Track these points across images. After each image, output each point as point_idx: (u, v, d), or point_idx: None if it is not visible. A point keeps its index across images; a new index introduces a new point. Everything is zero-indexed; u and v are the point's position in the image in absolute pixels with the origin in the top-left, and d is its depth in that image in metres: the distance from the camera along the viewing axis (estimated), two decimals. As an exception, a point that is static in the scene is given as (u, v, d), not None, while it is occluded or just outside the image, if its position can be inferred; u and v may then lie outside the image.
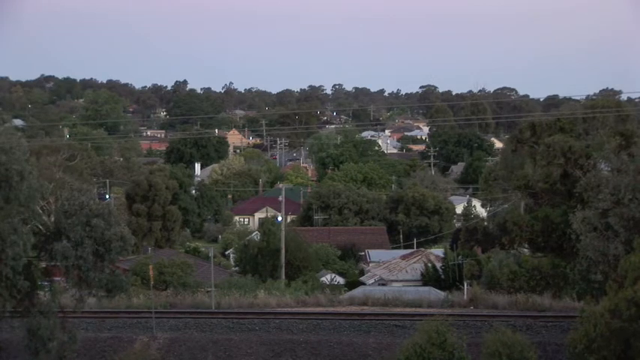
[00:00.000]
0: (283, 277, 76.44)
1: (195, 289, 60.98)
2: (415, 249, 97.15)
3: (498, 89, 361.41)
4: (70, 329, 39.35)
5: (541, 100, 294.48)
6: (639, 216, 41.54)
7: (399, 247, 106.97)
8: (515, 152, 61.22)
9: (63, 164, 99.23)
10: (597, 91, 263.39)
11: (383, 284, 79.85)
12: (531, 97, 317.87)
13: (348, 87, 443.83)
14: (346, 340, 45.76)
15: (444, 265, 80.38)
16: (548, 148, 55.94)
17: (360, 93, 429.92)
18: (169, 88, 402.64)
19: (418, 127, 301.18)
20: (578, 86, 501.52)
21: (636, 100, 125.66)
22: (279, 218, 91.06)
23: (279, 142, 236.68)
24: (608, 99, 77.32)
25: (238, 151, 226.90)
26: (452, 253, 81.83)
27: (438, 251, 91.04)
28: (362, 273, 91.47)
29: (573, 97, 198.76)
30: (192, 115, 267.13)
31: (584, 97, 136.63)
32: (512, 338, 37.58)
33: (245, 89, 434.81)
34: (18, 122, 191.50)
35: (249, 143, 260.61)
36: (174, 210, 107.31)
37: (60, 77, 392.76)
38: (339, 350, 45.24)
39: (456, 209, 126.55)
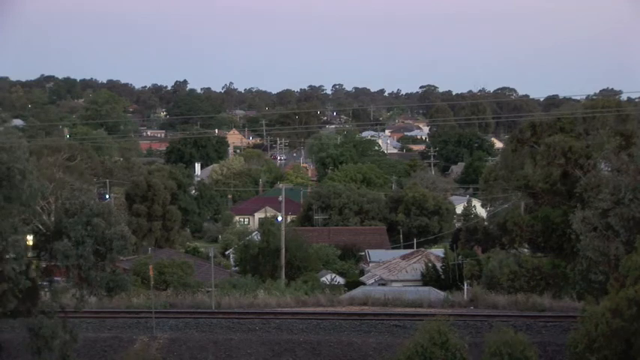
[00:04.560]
0: (283, 277, 76.43)
1: (195, 289, 60.97)
2: (415, 249, 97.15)
3: (498, 89, 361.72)
4: (71, 329, 39.38)
5: (541, 100, 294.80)
6: (639, 216, 41.54)
7: (399, 247, 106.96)
8: (516, 152, 61.21)
9: (63, 164, 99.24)
10: (597, 91, 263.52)
11: (383, 284, 79.87)
12: (531, 97, 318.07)
13: (348, 87, 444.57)
14: (346, 340, 45.74)
15: (444, 265, 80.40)
16: (548, 148, 55.95)
17: (360, 93, 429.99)
18: (169, 88, 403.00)
19: (418, 127, 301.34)
20: (579, 86, 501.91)
21: (636, 100, 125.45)
22: (279, 218, 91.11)
23: (279, 142, 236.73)
24: (608, 99, 77.14)
25: (238, 151, 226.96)
26: (452, 253, 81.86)
27: (438, 251, 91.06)
28: (362, 273, 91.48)
29: (573, 97, 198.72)
30: (192, 115, 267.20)
31: (584, 97, 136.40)
32: (514, 338, 37.60)
33: (245, 89, 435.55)
34: (18, 122, 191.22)
35: (249, 143, 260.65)
36: (173, 210, 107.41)
37: (60, 77, 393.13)
38: (339, 350, 45.22)
39: (456, 209, 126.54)
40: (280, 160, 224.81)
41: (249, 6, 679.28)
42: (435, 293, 62.37)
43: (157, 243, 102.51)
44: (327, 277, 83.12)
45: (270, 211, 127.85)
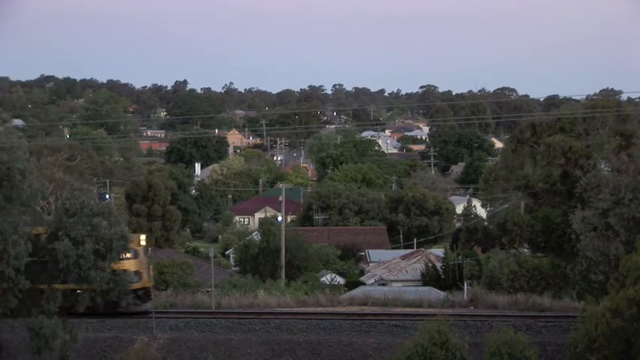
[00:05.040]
0: (283, 277, 76.44)
1: (195, 289, 60.97)
2: (415, 249, 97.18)
3: (498, 89, 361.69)
4: (71, 328, 39.39)
5: (541, 100, 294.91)
6: (639, 216, 41.53)
7: (399, 247, 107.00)
8: (516, 152, 61.16)
9: (63, 164, 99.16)
10: (597, 91, 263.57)
11: (383, 284, 79.91)
12: (531, 97, 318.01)
13: (348, 87, 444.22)
14: (346, 340, 45.72)
15: (444, 265, 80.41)
16: (548, 148, 55.92)
17: (360, 93, 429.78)
18: (169, 88, 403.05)
19: (418, 127, 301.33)
20: (579, 86, 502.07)
21: (636, 100, 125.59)
22: (279, 218, 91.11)
23: (279, 142, 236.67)
24: (608, 99, 77.14)
25: (238, 151, 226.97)
26: (452, 253, 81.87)
27: (438, 251, 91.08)
28: (362, 273, 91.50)
29: (573, 97, 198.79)
30: (192, 115, 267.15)
31: (584, 97, 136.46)
32: (514, 338, 37.62)
33: (245, 89, 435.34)
34: (18, 122, 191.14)
35: (249, 143, 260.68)
36: (173, 210, 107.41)
37: (60, 77, 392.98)
38: (339, 350, 45.21)
39: (456, 209, 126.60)
40: (278, 160, 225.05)
41: (249, 6, 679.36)
42: (435, 293, 62.39)
43: (157, 243, 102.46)
44: (327, 277, 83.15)
45: (270, 211, 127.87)
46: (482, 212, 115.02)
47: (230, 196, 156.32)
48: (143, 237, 49.62)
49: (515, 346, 37.21)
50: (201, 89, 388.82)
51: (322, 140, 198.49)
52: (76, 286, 40.29)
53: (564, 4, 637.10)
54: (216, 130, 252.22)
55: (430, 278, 79.46)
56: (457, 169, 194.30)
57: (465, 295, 57.79)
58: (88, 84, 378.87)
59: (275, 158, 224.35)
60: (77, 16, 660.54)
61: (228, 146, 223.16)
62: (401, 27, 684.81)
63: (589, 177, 50.24)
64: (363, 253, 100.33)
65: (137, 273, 47.26)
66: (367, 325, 46.40)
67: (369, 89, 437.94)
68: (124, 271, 45.49)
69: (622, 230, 41.90)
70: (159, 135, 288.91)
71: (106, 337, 46.35)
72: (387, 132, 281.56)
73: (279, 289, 60.83)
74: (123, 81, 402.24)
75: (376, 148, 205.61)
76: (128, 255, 46.03)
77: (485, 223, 66.79)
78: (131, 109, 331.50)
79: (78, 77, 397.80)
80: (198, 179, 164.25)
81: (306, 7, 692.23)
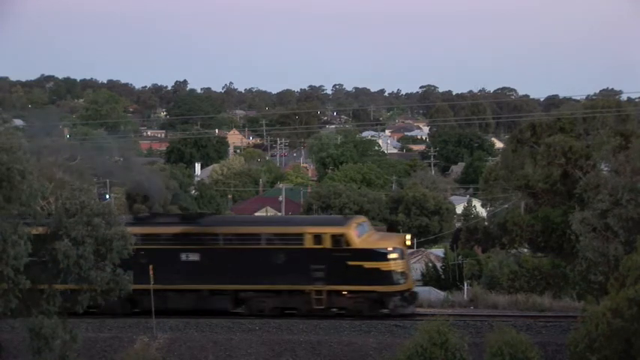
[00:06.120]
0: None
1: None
2: (415, 249, 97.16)
3: (498, 89, 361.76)
4: (71, 329, 39.39)
5: (541, 100, 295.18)
6: (638, 217, 41.53)
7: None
8: (515, 152, 61.10)
9: (63, 164, 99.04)
10: (597, 91, 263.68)
11: (383, 284, 79.76)
12: (531, 97, 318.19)
13: (348, 87, 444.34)
14: (346, 340, 45.70)
15: (444, 265, 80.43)
16: (548, 148, 55.87)
17: (360, 93, 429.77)
18: (169, 88, 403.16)
19: (418, 127, 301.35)
20: (579, 86, 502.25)
21: (636, 100, 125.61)
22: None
23: (279, 142, 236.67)
24: (608, 99, 77.05)
25: (238, 151, 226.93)
26: (452, 253, 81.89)
27: (438, 251, 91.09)
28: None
29: (573, 97, 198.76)
30: (192, 115, 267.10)
31: (584, 97, 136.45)
32: (516, 338, 37.59)
33: (245, 89, 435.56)
34: (18, 122, 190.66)
35: (249, 143, 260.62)
36: (174, 210, 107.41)
37: (60, 77, 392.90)
38: (339, 350, 45.19)
39: (456, 209, 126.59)
40: (276, 156, 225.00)
41: (249, 6, 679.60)
42: (435, 293, 62.37)
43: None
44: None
45: (270, 211, 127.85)
46: (482, 212, 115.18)
47: (230, 196, 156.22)
48: (408, 237, 48.59)
49: (517, 346, 37.18)
50: (201, 89, 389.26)
51: (322, 140, 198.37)
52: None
53: (564, 4, 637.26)
54: (216, 130, 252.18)
55: (430, 278, 79.46)
56: (457, 169, 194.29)
57: (465, 295, 57.79)
58: (88, 84, 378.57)
59: (273, 158, 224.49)
60: (77, 16, 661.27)
61: (229, 146, 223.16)
62: (401, 27, 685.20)
63: (589, 177, 50.23)
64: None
65: (403, 274, 46.43)
66: (367, 325, 46.38)
67: (369, 89, 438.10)
68: (390, 271, 45.09)
69: (621, 231, 41.90)
70: (159, 135, 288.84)
71: (106, 337, 46.37)
72: (387, 132, 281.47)
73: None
74: (123, 81, 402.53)
75: (376, 148, 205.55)
76: (395, 255, 45.62)
77: (486, 223, 66.79)
78: (131, 109, 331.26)
79: (78, 77, 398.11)
80: (198, 179, 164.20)
81: (306, 7, 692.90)
